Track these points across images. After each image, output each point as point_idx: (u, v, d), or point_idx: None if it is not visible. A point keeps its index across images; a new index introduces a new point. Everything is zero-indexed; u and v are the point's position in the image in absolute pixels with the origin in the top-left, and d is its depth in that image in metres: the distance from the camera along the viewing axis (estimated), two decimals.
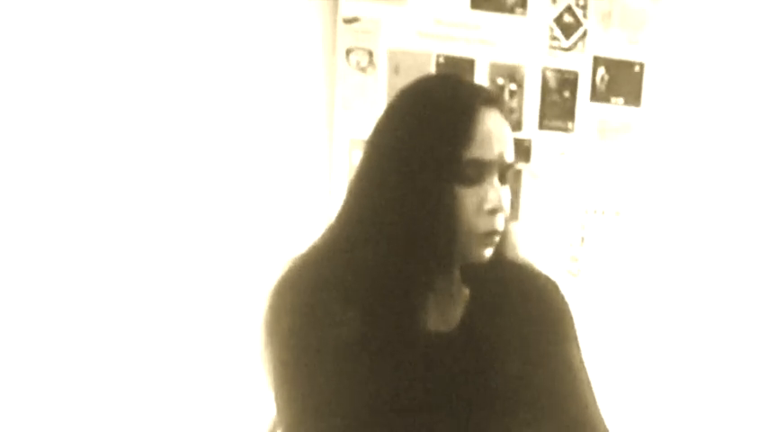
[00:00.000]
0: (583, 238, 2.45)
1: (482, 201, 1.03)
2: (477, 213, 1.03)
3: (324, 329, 1.04)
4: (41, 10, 1.89)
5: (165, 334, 2.04)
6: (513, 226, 1.14)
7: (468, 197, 1.02)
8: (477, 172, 1.02)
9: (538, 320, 1.07)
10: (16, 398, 1.91)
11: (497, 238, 1.07)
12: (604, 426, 1.05)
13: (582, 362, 1.07)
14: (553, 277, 1.12)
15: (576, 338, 1.09)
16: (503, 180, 1.06)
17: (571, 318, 1.09)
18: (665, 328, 2.53)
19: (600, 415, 1.05)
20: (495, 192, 1.03)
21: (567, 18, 2.36)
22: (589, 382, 1.06)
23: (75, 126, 1.93)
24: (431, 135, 1.02)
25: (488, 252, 1.07)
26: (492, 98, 1.07)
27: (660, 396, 2.53)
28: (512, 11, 2.30)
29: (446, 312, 1.09)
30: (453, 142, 1.01)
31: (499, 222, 1.04)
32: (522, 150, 2.29)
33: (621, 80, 2.44)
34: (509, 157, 1.05)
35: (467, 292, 1.10)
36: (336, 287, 1.06)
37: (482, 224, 1.03)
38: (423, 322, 1.06)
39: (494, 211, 1.03)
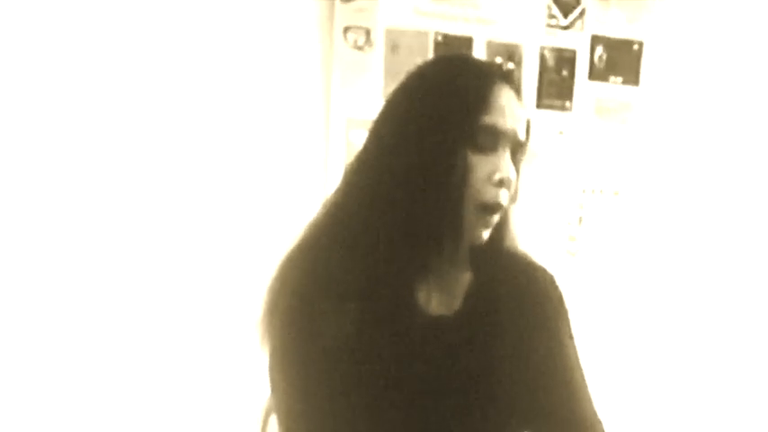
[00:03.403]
0: (581, 218, 2.45)
1: (493, 170, 1.03)
2: (485, 183, 1.03)
3: (321, 318, 1.04)
4: (41, 10, 1.87)
5: (163, 321, 2.04)
6: (512, 213, 1.13)
7: (480, 165, 1.02)
8: (491, 140, 1.03)
9: (533, 313, 1.06)
10: (16, 398, 1.91)
11: (497, 217, 1.07)
12: (597, 417, 1.05)
13: (576, 356, 1.07)
14: (549, 269, 1.12)
15: (570, 332, 1.09)
16: (514, 161, 1.06)
17: (566, 312, 1.09)
18: (662, 309, 2.53)
19: (593, 407, 1.05)
20: (506, 164, 1.04)
21: None
22: (583, 376, 1.06)
23: (72, 119, 1.93)
24: (447, 102, 1.03)
25: (486, 234, 1.07)
26: (509, 76, 1.09)
27: (657, 378, 2.53)
28: None
29: (449, 295, 1.08)
30: (469, 107, 1.02)
31: (503, 197, 1.04)
32: None
33: (620, 59, 2.42)
34: (521, 134, 1.06)
35: (469, 276, 1.10)
36: (334, 274, 1.06)
37: (488, 195, 1.03)
38: (424, 305, 1.06)
39: (501, 183, 1.03)
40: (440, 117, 1.03)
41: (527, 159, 1.11)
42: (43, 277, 1.93)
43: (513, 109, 1.05)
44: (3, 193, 1.88)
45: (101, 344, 1.99)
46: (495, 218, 1.07)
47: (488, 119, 1.02)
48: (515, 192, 1.10)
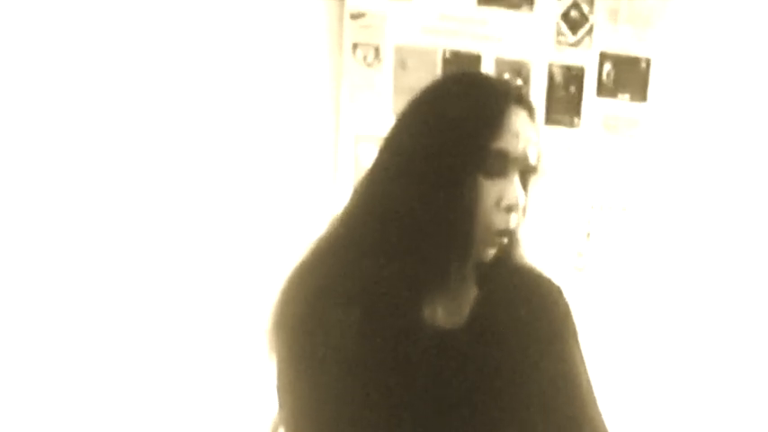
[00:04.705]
0: (588, 234, 2.45)
1: (501, 196, 1.03)
2: (494, 208, 1.03)
3: (327, 333, 1.04)
4: (44, 10, 1.89)
5: (170, 334, 2.05)
6: (520, 229, 1.13)
7: (489, 190, 1.02)
8: (502, 165, 1.03)
9: (541, 325, 1.06)
10: (16, 397, 1.92)
11: (506, 240, 1.07)
12: (605, 428, 1.05)
13: (585, 369, 1.07)
14: (557, 282, 1.12)
15: (578, 344, 1.09)
16: (524, 183, 1.07)
17: (574, 324, 1.08)
18: (670, 324, 2.52)
19: (602, 420, 1.05)
20: (515, 189, 1.03)
21: (574, 13, 2.36)
22: (591, 389, 1.06)
23: (79, 122, 1.94)
24: (460, 124, 1.02)
25: (492, 251, 1.07)
26: (523, 98, 1.08)
27: (663, 391, 2.53)
28: (518, 6, 2.30)
29: (455, 309, 1.08)
30: (482, 131, 1.01)
31: (513, 221, 1.05)
32: None
33: (628, 76, 2.43)
34: (532, 158, 1.06)
35: (475, 290, 1.10)
36: (341, 288, 1.06)
37: (497, 221, 1.03)
38: (430, 318, 1.06)
39: (510, 209, 1.03)
40: (452, 140, 1.02)
41: (536, 178, 1.11)
42: (53, 285, 1.94)
43: (525, 132, 1.05)
44: (8, 193, 1.89)
45: (106, 351, 1.99)
46: (505, 240, 1.07)
47: (501, 144, 1.02)
48: (524, 212, 1.10)
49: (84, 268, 1.97)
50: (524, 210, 1.09)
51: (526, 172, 1.07)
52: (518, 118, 1.05)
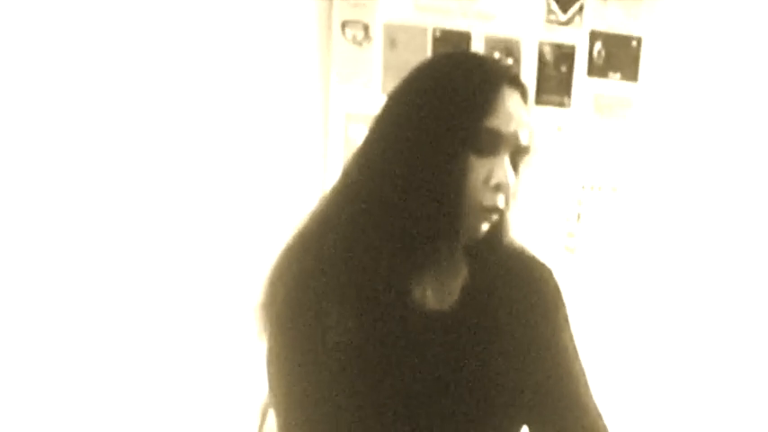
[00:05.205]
0: (579, 214, 2.44)
1: (490, 174, 1.02)
2: (483, 187, 1.02)
3: (317, 313, 1.04)
4: (41, 10, 1.87)
5: (160, 315, 2.04)
6: (510, 209, 1.13)
7: (479, 169, 1.02)
8: (493, 144, 1.02)
9: (531, 306, 1.06)
10: (15, 397, 1.91)
11: (496, 216, 1.06)
12: (596, 409, 1.05)
13: (575, 348, 1.07)
14: (548, 264, 1.12)
15: (568, 325, 1.09)
16: (514, 164, 1.06)
17: (564, 305, 1.08)
18: (660, 305, 2.53)
19: (592, 399, 1.05)
20: (504, 168, 1.03)
21: None
22: (582, 368, 1.06)
23: (70, 119, 1.92)
24: (452, 103, 1.02)
25: (485, 227, 1.06)
26: (517, 80, 1.07)
27: (655, 372, 2.54)
28: None
29: (446, 290, 1.08)
30: (474, 111, 1.01)
31: (500, 200, 1.04)
32: None
33: (619, 55, 2.42)
34: (524, 139, 1.05)
35: (465, 272, 1.10)
36: (330, 269, 1.05)
37: (485, 198, 1.02)
38: (420, 300, 1.05)
39: (498, 188, 1.02)
40: (444, 118, 1.02)
41: (527, 158, 1.11)
42: (43, 274, 1.92)
43: (517, 113, 1.04)
44: (5, 192, 1.88)
45: (98, 334, 1.98)
46: (495, 216, 1.06)
47: (492, 123, 1.01)
48: (514, 193, 1.09)
49: (73, 252, 1.95)
50: (515, 191, 1.08)
51: (517, 153, 1.07)
52: (511, 98, 1.04)
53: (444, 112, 1.02)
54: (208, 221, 2.07)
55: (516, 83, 1.07)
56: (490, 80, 1.04)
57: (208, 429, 2.08)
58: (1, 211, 1.87)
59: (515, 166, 1.07)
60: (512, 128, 1.03)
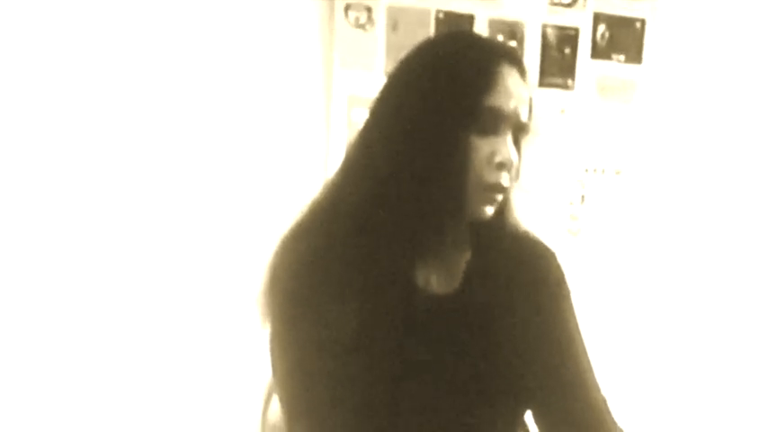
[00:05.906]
0: (583, 197, 2.44)
1: (493, 153, 1.02)
2: (486, 165, 1.02)
3: (319, 298, 1.04)
4: (41, 10, 1.86)
5: (162, 301, 2.04)
6: (513, 192, 1.13)
7: (481, 147, 1.02)
8: (494, 122, 1.02)
9: (535, 290, 1.06)
10: (14, 397, 1.91)
11: (500, 197, 1.06)
12: (600, 391, 1.05)
13: (579, 331, 1.07)
14: (551, 246, 1.12)
15: (572, 308, 1.09)
16: (516, 144, 1.06)
17: (567, 288, 1.08)
18: (663, 288, 2.53)
19: (595, 380, 1.05)
20: (507, 147, 1.03)
21: None
22: (585, 352, 1.06)
23: (70, 118, 1.90)
24: (452, 82, 1.02)
25: (490, 210, 1.06)
26: (515, 57, 1.07)
27: (657, 356, 2.54)
28: None
29: (449, 274, 1.07)
30: (474, 89, 1.01)
31: (504, 179, 1.04)
32: None
33: (622, 37, 2.41)
34: (524, 116, 1.05)
35: (468, 255, 1.10)
36: (333, 254, 1.05)
37: (489, 177, 1.02)
38: (423, 284, 1.05)
39: (502, 166, 1.02)
40: (444, 98, 1.02)
41: (529, 139, 1.11)
42: (42, 275, 1.92)
43: (517, 90, 1.04)
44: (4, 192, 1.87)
45: (99, 323, 1.99)
46: (499, 197, 1.06)
47: (493, 101, 1.01)
48: (517, 172, 1.09)
49: (71, 250, 1.94)
50: (517, 170, 1.08)
51: (518, 132, 1.07)
52: (510, 77, 1.04)
53: (444, 92, 1.02)
54: (211, 208, 2.07)
55: (516, 61, 1.06)
56: (489, 59, 1.04)
57: (213, 414, 2.09)
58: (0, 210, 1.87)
59: (517, 145, 1.07)
60: (512, 106, 1.03)
